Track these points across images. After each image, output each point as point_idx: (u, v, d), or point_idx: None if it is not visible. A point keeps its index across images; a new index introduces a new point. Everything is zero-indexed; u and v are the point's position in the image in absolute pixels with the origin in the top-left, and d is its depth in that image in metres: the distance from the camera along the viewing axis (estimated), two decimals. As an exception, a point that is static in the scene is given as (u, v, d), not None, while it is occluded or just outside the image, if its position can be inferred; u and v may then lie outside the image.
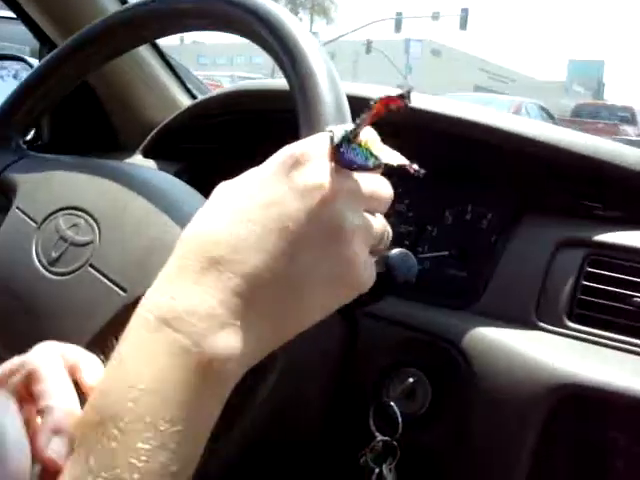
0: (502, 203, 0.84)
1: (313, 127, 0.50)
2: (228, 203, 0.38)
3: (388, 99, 0.39)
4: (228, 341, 0.35)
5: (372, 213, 0.41)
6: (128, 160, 1.07)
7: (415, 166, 0.41)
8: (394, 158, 0.42)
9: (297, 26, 0.57)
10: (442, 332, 0.73)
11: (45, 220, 0.66)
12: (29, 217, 0.68)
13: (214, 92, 1.02)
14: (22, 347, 0.62)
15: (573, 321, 0.72)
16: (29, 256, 0.64)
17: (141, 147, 1.08)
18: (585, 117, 16.37)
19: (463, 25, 32.54)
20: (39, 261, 0.64)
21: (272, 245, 0.36)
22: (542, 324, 0.73)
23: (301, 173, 0.38)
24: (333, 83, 0.51)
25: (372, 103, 0.39)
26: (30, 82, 0.76)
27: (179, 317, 0.35)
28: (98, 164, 0.75)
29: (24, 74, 1.15)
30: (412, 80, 36.54)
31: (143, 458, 0.32)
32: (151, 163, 1.05)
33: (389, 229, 0.43)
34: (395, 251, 0.58)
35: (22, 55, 1.16)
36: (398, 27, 36.23)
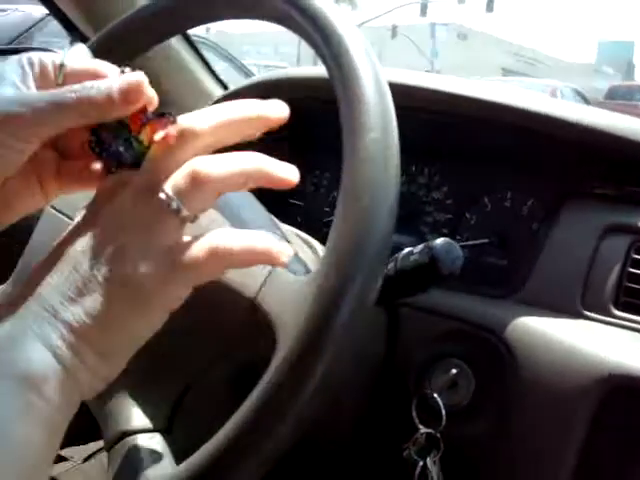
0: (543, 189, 0.82)
1: (355, 123, 0.48)
2: None
3: None
4: (39, 360, 0.36)
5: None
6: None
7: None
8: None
9: (339, 15, 0.56)
10: (484, 322, 0.71)
11: None
12: (65, 215, 0.67)
13: (245, 81, 1.01)
14: None
15: (619, 309, 0.70)
16: None
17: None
18: (619, 99, 16.08)
19: (489, 7, 32.22)
20: None
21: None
22: (587, 313, 0.71)
23: None
24: (375, 73, 0.50)
25: None
26: None
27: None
28: None
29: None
30: (439, 64, 36.25)
31: None
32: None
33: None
34: (439, 241, 0.57)
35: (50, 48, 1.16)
36: (424, 11, 35.94)
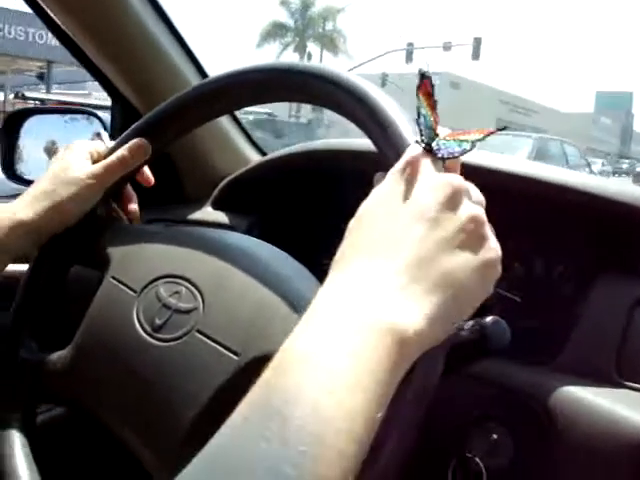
0: (576, 259, 0.85)
1: None
2: None
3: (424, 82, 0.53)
4: (406, 313, 0.42)
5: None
6: (199, 212, 1.11)
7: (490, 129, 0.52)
8: (476, 136, 0.52)
9: (380, 94, 0.61)
10: (525, 389, 0.74)
11: (144, 289, 0.67)
12: (126, 286, 0.68)
13: (286, 150, 1.05)
14: (139, 418, 0.62)
15: None
16: (131, 324, 0.64)
17: (211, 199, 1.12)
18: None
19: (476, 55, 32.13)
20: (143, 329, 0.64)
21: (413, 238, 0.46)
22: (622, 381, 0.74)
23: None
24: None
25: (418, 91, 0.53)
26: None
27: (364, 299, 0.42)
28: (188, 232, 0.77)
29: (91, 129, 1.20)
30: (433, 113, 36.31)
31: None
32: (221, 215, 1.08)
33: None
34: (489, 319, 0.59)
35: (96, 111, 1.20)
36: (409, 58, 35.98)
